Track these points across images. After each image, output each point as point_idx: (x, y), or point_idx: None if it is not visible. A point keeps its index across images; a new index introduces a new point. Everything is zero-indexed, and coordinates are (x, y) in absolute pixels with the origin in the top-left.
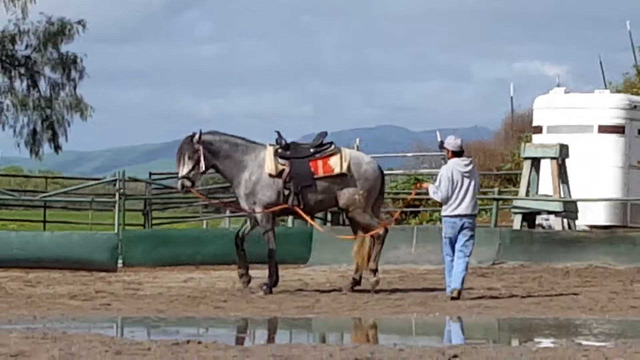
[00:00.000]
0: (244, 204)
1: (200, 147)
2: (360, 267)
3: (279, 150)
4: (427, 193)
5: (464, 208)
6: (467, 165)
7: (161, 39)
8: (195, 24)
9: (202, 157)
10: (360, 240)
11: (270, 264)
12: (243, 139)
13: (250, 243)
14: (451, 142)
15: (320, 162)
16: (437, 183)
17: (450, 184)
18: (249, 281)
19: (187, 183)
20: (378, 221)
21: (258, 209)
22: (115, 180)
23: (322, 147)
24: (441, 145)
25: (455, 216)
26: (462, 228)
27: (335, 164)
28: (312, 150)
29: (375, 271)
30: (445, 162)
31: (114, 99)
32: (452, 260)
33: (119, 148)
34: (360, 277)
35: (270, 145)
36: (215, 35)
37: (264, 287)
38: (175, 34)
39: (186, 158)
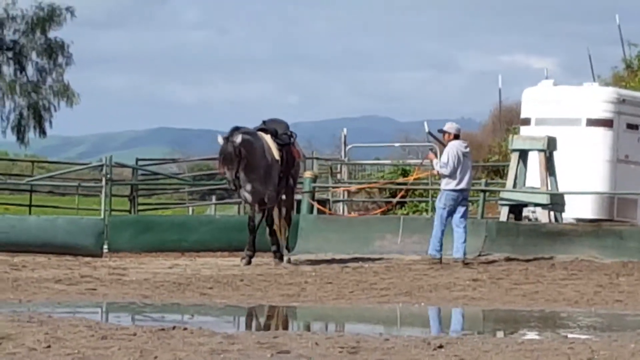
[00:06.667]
0: (261, 189)
1: (241, 149)
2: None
3: (273, 138)
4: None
5: (465, 183)
6: (466, 147)
7: (147, 25)
8: (182, 11)
9: (240, 160)
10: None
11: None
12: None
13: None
14: (452, 126)
15: (293, 148)
16: (444, 159)
17: (455, 160)
18: (249, 262)
19: (238, 183)
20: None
21: (272, 193)
22: (102, 165)
23: (290, 135)
24: (440, 131)
25: (458, 190)
26: (461, 200)
27: (295, 150)
28: (290, 137)
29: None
30: (435, 150)
31: (99, 84)
32: (444, 230)
33: (104, 134)
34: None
35: (258, 131)
36: (201, 22)
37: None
38: (161, 20)
39: (230, 161)
